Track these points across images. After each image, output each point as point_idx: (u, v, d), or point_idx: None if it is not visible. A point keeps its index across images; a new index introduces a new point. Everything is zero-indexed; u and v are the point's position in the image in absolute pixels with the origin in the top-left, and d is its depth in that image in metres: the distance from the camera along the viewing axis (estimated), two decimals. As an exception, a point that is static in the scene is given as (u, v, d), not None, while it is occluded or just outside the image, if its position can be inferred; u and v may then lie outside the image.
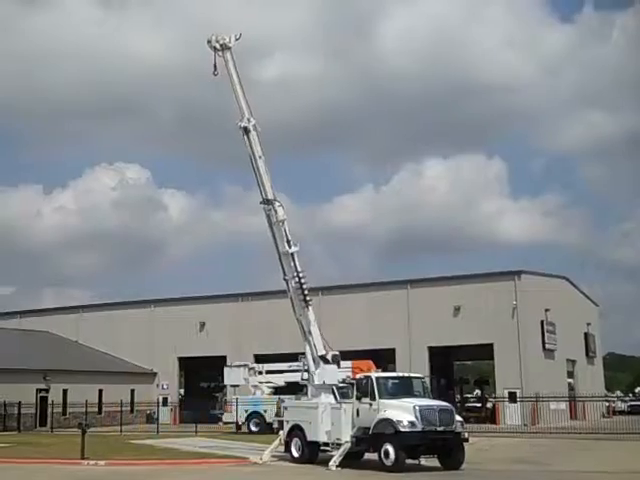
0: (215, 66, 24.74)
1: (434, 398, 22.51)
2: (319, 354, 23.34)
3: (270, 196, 23.74)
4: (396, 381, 22.35)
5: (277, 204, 23.66)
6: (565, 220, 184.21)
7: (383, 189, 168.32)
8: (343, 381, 23.71)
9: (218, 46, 24.74)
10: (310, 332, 23.52)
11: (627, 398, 74.84)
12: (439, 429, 19.96)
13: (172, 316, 56.31)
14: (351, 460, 21.35)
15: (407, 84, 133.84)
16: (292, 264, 23.58)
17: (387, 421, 20.02)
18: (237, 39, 24.92)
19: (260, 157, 24.00)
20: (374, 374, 22.69)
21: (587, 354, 59.30)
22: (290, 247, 23.52)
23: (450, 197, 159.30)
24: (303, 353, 24.37)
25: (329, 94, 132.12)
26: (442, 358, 53.22)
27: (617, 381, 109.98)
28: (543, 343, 47.92)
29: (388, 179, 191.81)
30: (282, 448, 23.74)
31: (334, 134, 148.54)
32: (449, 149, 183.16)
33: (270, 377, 42.41)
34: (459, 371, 70.68)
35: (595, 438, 32.14)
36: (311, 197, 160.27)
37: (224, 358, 50.48)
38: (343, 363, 25.76)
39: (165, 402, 52.13)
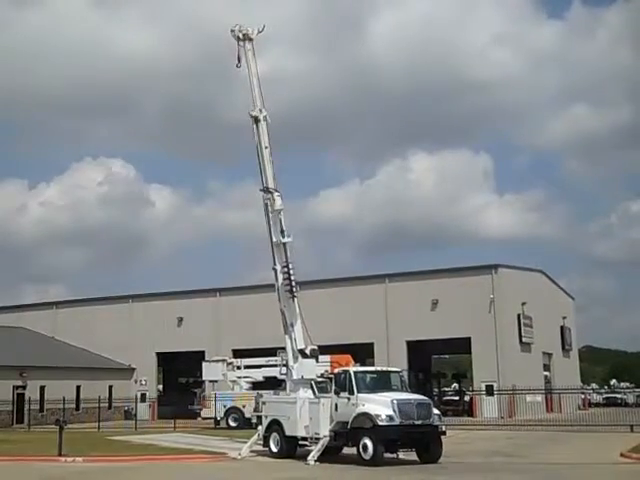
0: (239, 58, 25.33)
1: (412, 392, 22.63)
2: (298, 348, 23.45)
3: (271, 185, 24.19)
4: (374, 375, 22.51)
5: (276, 194, 24.10)
6: (548, 215, 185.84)
7: (368, 184, 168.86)
8: (321, 375, 23.81)
9: (241, 36, 25.20)
10: (292, 325, 23.64)
11: (602, 390, 75.72)
12: (417, 423, 20.07)
13: (150, 311, 56.18)
14: (330, 455, 21.43)
15: (394, 80, 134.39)
16: (283, 254, 23.87)
17: (365, 415, 20.11)
18: (260, 31, 25.49)
19: (266, 147, 24.67)
20: (352, 368, 22.78)
21: (563, 347, 59.87)
22: (284, 237, 23.86)
23: (435, 192, 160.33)
24: (282, 348, 24.47)
25: (317, 90, 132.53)
26: (420, 352, 53.45)
27: (593, 374, 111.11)
28: (520, 336, 48.32)
29: (374, 174, 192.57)
30: (261, 443, 23.80)
31: (321, 129, 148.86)
32: (435, 145, 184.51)
33: (248, 372, 42.42)
34: (437, 365, 71.03)
35: (571, 430, 32.49)
36: (296, 191, 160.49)
37: (203, 353, 50.48)
38: (321, 357, 25.82)
39: (143, 398, 51.98)
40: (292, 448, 22.67)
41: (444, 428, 20.93)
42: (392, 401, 20.07)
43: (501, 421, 39.06)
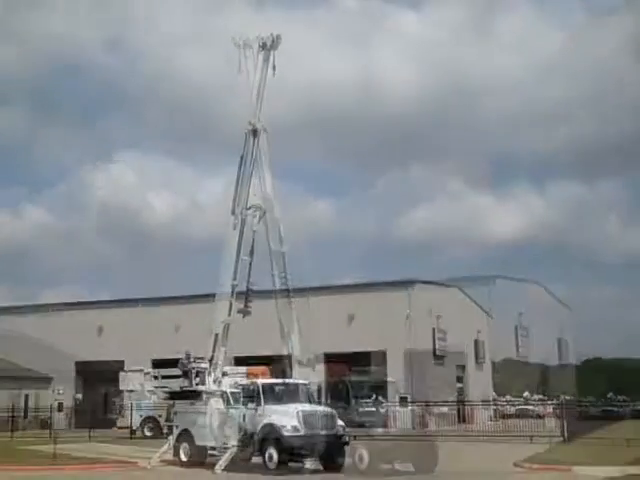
0: (274, 66, 25.53)
1: (321, 403, 23.35)
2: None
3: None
4: (282, 387, 23.05)
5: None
6: (548, 219, 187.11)
7: (369, 191, 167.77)
8: (234, 386, 24.24)
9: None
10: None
11: (516, 402, 75.53)
12: (321, 433, 20.79)
13: (70, 320, 55.53)
14: (238, 464, 21.88)
15: (395, 84, 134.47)
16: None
17: (271, 426, 20.78)
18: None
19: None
20: (260, 380, 23.38)
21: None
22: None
23: (435, 198, 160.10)
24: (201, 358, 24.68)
25: (318, 96, 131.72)
26: (338, 365, 53.98)
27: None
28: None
29: (374, 181, 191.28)
30: (172, 452, 24.10)
31: (322, 136, 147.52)
32: (435, 150, 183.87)
33: (166, 382, 42.30)
34: (355, 377, 71.51)
35: (481, 440, 33.46)
36: (292, 199, 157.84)
37: (122, 363, 50.13)
38: (239, 368, 26.23)
39: (60, 407, 51.19)
40: (202, 457, 23.08)
41: (347, 438, 21.69)
42: (297, 412, 20.78)
43: (414, 431, 39.86)
